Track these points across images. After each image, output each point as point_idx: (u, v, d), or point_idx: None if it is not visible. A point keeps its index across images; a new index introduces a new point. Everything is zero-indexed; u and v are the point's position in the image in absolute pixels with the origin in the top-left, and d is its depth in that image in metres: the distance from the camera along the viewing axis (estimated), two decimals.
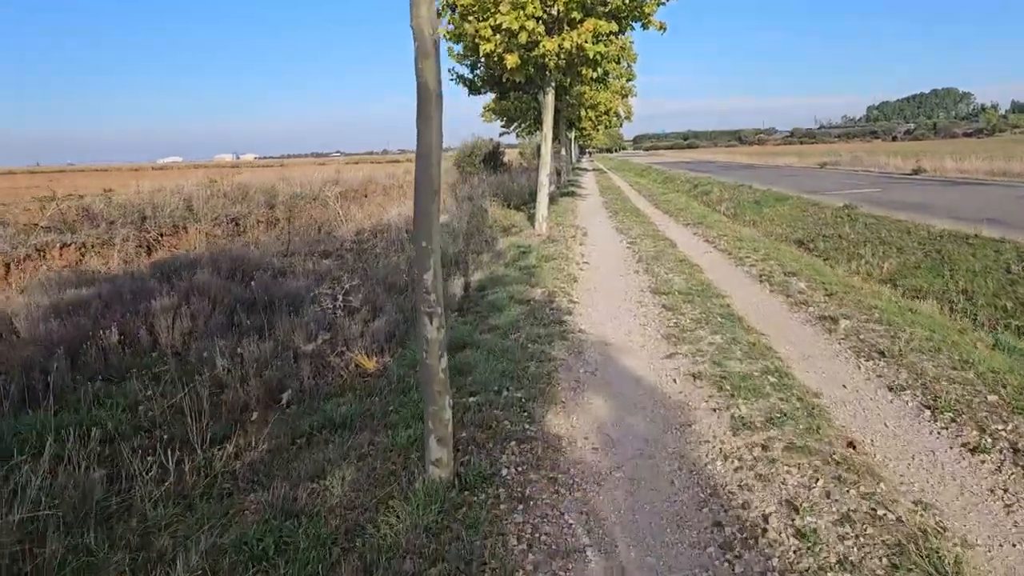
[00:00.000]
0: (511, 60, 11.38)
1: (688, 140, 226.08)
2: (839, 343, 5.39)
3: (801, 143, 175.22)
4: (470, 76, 19.99)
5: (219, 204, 18.57)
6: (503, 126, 33.79)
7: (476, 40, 11.39)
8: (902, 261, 9.73)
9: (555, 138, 41.82)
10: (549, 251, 10.58)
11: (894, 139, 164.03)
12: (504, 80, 20.97)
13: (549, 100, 13.15)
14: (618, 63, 22.87)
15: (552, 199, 21.93)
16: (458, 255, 11.37)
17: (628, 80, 31.55)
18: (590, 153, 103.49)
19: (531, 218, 13.95)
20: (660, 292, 7.36)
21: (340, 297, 6.15)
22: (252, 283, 7.69)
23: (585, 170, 53.54)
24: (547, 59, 11.69)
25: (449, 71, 19.15)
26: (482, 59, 13.88)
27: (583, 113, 32.35)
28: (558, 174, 32.83)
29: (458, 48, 16.65)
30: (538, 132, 25.20)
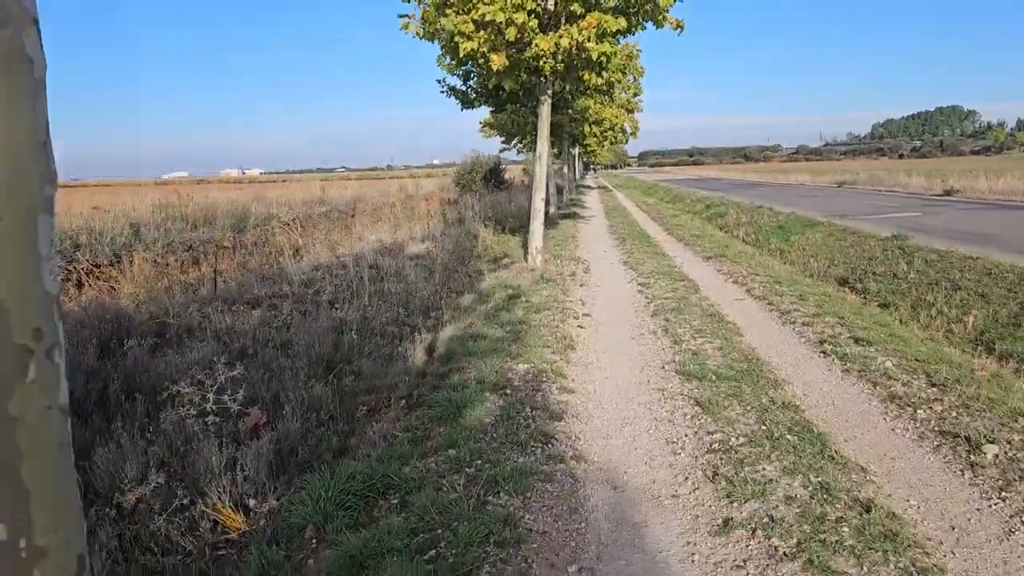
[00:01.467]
0: (497, 61, 9.36)
1: (693, 157, 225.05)
2: (1002, 499, 3.25)
3: (807, 160, 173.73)
4: (462, 88, 18.14)
5: (176, 228, 16.61)
6: (503, 142, 31.94)
7: (455, 38, 9.40)
8: (989, 314, 7.60)
9: (558, 155, 40.07)
10: (542, 296, 8.49)
11: (900, 156, 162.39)
12: (499, 92, 19.06)
13: (545, 112, 11.13)
14: (624, 74, 20.98)
15: (552, 222, 19.84)
16: (430, 299, 9.30)
17: (635, 95, 29.77)
18: (594, 170, 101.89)
19: (526, 246, 11.86)
20: (689, 373, 5.24)
21: (211, 397, 4.06)
22: (126, 357, 5.60)
23: (589, 188, 51.59)
24: (542, 61, 9.68)
25: (439, 82, 17.30)
26: (467, 62, 11.87)
27: (587, 129, 30.54)
28: (560, 193, 30.82)
29: (448, 59, 14.79)
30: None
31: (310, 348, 5.92)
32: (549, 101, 11.18)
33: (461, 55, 9.57)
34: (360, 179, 73.13)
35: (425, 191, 37.25)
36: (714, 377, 5.09)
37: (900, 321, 7.54)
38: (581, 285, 9.46)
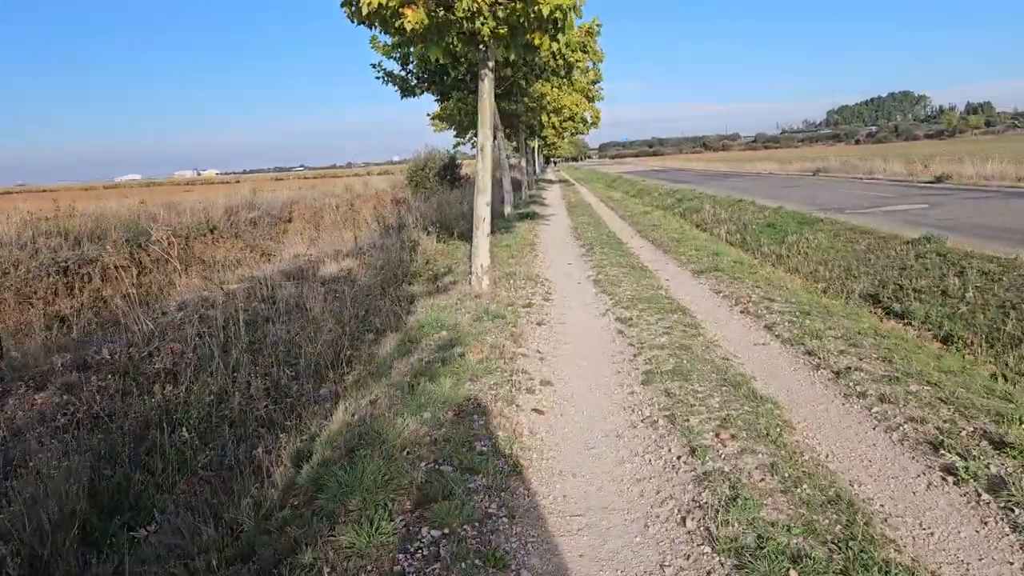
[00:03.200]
0: (413, 17, 6.78)
1: (653, 147, 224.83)
2: None
3: (766, 147, 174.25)
4: (401, 73, 15.54)
5: (50, 247, 13.75)
6: (456, 136, 29.18)
7: None
8: None
9: (516, 149, 37.56)
10: (485, 346, 5.96)
11: (857, 142, 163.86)
12: (442, 77, 16.42)
13: (487, 90, 8.56)
14: (584, 52, 18.63)
15: (507, 224, 17.27)
16: (334, 351, 6.75)
17: (594, 81, 27.54)
18: (554, 163, 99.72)
19: (471, 262, 9.30)
20: (739, 550, 2.75)
21: None
22: None
23: (550, 182, 49.16)
24: (478, 22, 7.16)
25: (374, 67, 14.71)
26: (368, 21, 9.23)
27: (545, 118, 28.18)
28: (518, 189, 28.29)
29: (384, 38, 12.32)
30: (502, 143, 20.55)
31: (41, 504, 3.25)
32: (491, 76, 8.60)
33: (366, 13, 6.93)
34: (316, 177, 69.81)
35: (376, 190, 34.32)
36: (785, 562, 2.62)
37: (1003, 377, 5.18)
38: (539, 323, 6.93)
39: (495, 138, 19.00)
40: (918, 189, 19.82)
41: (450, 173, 31.55)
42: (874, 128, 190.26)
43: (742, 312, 6.97)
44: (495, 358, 5.64)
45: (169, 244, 10.45)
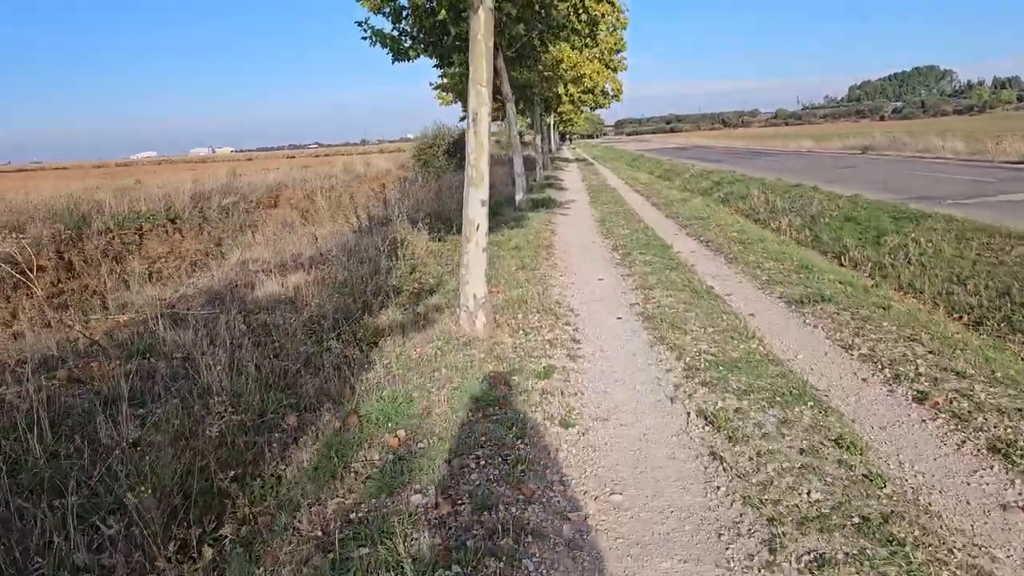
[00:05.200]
0: None
1: (671, 124, 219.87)
2: None
3: (787, 124, 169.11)
4: (393, 32, 12.58)
5: None
6: (464, 109, 25.99)
7: None
8: None
9: (530, 125, 34.17)
10: (463, 500, 3.07)
11: (882, 118, 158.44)
12: (441, 36, 13.37)
13: (480, 28, 5.54)
14: (612, 4, 15.50)
15: (518, 214, 14.24)
16: (199, 472, 3.85)
17: (617, 50, 24.37)
18: (570, 139, 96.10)
19: (460, 287, 6.30)
20: None
21: None
22: None
23: (567, 161, 45.88)
24: None
25: (360, 25, 11.79)
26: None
27: (562, 90, 25.03)
28: (531, 170, 25.18)
29: None
30: (508, 118, 17.53)
31: None
32: (489, 8, 5.58)
33: None
34: (327, 155, 67.26)
35: (379, 169, 31.45)
36: None
37: None
38: (564, 422, 3.95)
39: (504, 110, 15.93)
40: (1009, 171, 16.57)
41: (460, 151, 28.61)
42: (900, 104, 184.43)
43: (918, 402, 3.98)
44: (478, 545, 2.73)
45: (37, 255, 7.56)
